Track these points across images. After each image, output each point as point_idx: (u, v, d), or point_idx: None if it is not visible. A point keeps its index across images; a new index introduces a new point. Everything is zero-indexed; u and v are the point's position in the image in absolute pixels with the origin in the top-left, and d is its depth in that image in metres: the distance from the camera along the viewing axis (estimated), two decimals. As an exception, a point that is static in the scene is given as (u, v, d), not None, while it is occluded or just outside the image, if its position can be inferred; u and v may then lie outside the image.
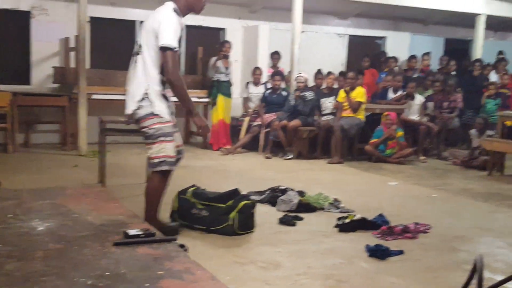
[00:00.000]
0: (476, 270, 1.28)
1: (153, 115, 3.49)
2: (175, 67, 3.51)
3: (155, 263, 2.49)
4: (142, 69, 3.50)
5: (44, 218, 3.19)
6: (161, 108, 3.52)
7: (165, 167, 3.58)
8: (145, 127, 3.54)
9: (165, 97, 3.58)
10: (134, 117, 3.55)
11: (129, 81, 3.59)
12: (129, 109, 3.49)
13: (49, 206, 3.49)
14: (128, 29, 9.50)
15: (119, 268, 2.40)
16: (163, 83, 3.56)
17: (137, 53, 3.57)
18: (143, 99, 3.47)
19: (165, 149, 3.54)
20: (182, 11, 3.58)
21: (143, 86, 3.46)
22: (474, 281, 1.44)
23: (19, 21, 8.69)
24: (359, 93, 8.30)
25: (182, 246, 3.34)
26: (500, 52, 11.29)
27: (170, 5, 3.55)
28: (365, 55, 10.59)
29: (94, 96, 8.12)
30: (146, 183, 3.73)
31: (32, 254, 2.55)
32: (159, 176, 3.62)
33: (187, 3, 3.59)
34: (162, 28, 3.44)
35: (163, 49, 3.45)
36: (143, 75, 3.49)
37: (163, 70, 3.52)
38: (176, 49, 3.47)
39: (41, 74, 8.79)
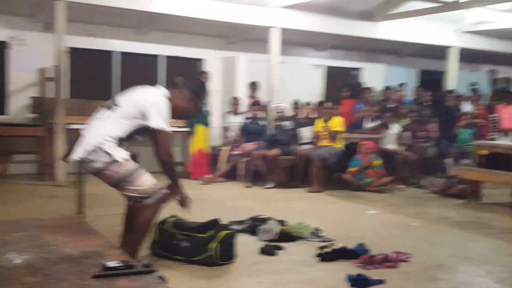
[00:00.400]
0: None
1: (114, 161, 3.41)
2: (168, 148, 3.60)
3: (135, 295, 2.44)
4: (108, 124, 3.46)
5: (21, 250, 3.11)
6: (121, 152, 3.45)
7: (158, 195, 3.53)
8: (111, 174, 3.44)
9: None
10: (90, 167, 3.42)
11: (89, 129, 3.50)
12: (78, 155, 3.36)
13: (26, 238, 3.40)
14: (105, 59, 9.49)
15: (98, 301, 2.34)
16: (121, 144, 3.53)
17: (110, 109, 3.53)
18: (98, 149, 3.37)
19: (144, 180, 3.48)
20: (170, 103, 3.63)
21: (102, 138, 3.38)
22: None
23: (-3, 51, 8.63)
24: (337, 123, 8.37)
25: (161, 277, 3.28)
26: (473, 83, 11.54)
27: (163, 92, 3.65)
28: (344, 85, 10.73)
29: (72, 126, 8.02)
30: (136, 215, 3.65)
31: (8, 287, 2.47)
32: (153, 207, 3.55)
33: (176, 104, 3.65)
34: (156, 110, 3.48)
35: (156, 131, 3.50)
36: (106, 129, 3.43)
37: (128, 137, 3.52)
38: (169, 131, 3.56)
39: (18, 104, 8.69)
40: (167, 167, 3.66)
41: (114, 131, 3.44)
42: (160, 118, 3.49)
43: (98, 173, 3.41)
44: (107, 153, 3.38)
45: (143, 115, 3.49)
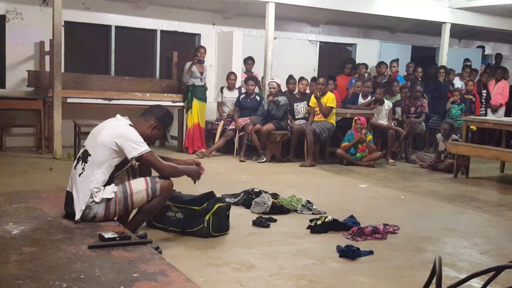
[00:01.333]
0: (435, 271, 1.29)
1: (108, 200, 3.36)
2: (160, 162, 3.54)
3: (130, 265, 2.47)
4: (89, 178, 3.35)
5: (19, 221, 3.14)
6: (107, 190, 3.39)
7: (158, 188, 3.54)
8: (114, 211, 3.41)
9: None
10: (94, 219, 3.35)
11: (74, 189, 3.38)
12: (77, 216, 3.29)
13: (23, 210, 3.43)
14: (102, 33, 9.41)
15: (94, 271, 2.37)
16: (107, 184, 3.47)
17: (85, 161, 3.40)
18: (91, 205, 3.32)
19: (137, 190, 3.47)
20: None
21: (89, 194, 3.32)
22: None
23: (-6, 25, 8.54)
24: (330, 98, 8.36)
25: (156, 248, 3.32)
26: (467, 60, 11.49)
27: (126, 121, 3.52)
28: (346, 60, 10.72)
29: (69, 100, 8.01)
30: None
31: (6, 257, 2.51)
32: (159, 197, 3.57)
33: (144, 133, 3.54)
34: (128, 141, 3.38)
35: (140, 157, 3.44)
36: (90, 183, 3.34)
37: (110, 179, 3.44)
38: (149, 150, 3.46)
39: (16, 78, 8.63)
40: (174, 175, 3.67)
41: (97, 181, 3.35)
42: (135, 145, 3.40)
43: (106, 219, 3.36)
44: (100, 202, 3.33)
45: (117, 152, 3.39)
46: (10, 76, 8.64)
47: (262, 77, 9.37)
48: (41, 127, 8.15)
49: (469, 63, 11.32)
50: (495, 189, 7.31)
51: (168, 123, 3.75)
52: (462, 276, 3.43)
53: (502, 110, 10.79)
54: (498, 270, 1.37)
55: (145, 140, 3.55)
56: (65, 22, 8.31)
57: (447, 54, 11.05)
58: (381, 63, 10.56)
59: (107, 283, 2.26)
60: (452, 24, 10.94)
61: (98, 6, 9.16)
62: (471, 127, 8.21)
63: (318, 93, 8.37)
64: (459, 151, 7.51)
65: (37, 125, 8.26)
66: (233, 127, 8.62)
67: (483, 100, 10.74)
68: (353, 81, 9.95)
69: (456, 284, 1.34)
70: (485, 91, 10.83)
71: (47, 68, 8.22)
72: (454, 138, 8.27)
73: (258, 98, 8.86)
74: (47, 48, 8.28)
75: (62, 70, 8.08)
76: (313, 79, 9.44)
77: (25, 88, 8.58)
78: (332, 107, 8.34)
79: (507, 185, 7.62)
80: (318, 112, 8.39)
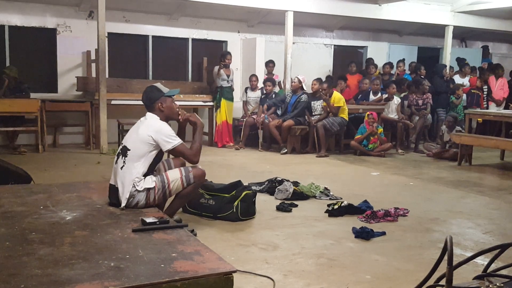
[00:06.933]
0: (447, 249, 1.27)
1: (149, 189, 3.37)
2: (189, 154, 3.52)
3: (169, 246, 2.49)
4: (130, 170, 3.36)
5: (71, 209, 3.19)
6: (148, 180, 3.40)
7: (191, 177, 3.55)
8: (155, 198, 3.41)
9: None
10: (137, 207, 3.35)
11: (118, 180, 3.38)
12: (123, 204, 3.30)
13: (75, 198, 3.48)
14: (141, 42, 9.48)
15: (137, 251, 2.39)
16: (147, 175, 3.46)
17: (125, 155, 3.41)
18: (134, 194, 3.33)
19: (173, 179, 3.48)
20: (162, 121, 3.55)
21: (132, 184, 3.32)
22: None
23: (47, 37, 8.65)
24: (336, 98, 8.26)
25: (192, 231, 3.34)
26: (460, 59, 11.16)
27: (156, 117, 3.51)
28: (351, 61, 10.59)
29: (113, 102, 8.10)
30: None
31: (61, 240, 2.54)
32: (192, 185, 3.59)
33: (165, 116, 3.53)
34: (162, 136, 3.39)
35: (173, 150, 3.44)
36: (131, 174, 3.35)
37: (149, 170, 3.44)
38: (181, 142, 3.46)
39: (66, 83, 8.76)
40: (200, 152, 3.63)
41: (137, 172, 3.36)
42: (168, 139, 3.40)
43: (147, 205, 3.38)
44: (141, 191, 3.34)
45: (154, 146, 3.40)
46: (61, 82, 8.77)
47: (283, 78, 9.32)
48: (89, 126, 8.26)
49: (466, 62, 11.03)
50: (496, 175, 7.16)
51: (160, 92, 3.57)
52: (468, 254, 3.38)
53: (503, 104, 10.58)
54: (504, 247, 1.33)
55: (172, 119, 3.57)
56: (108, 33, 8.38)
57: (450, 54, 10.84)
58: (386, 64, 10.43)
59: (149, 262, 2.28)
60: (454, 26, 10.71)
61: (136, 18, 9.23)
62: (478, 119, 8.07)
63: (325, 96, 8.27)
64: (463, 141, 7.37)
65: (86, 124, 8.38)
66: (257, 122, 8.63)
67: (484, 95, 10.52)
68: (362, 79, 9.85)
69: (465, 260, 1.30)
70: (485, 87, 10.60)
71: (93, 74, 8.32)
72: (458, 129, 8.11)
73: (273, 95, 8.86)
74: (93, 57, 8.38)
75: (107, 76, 8.16)
76: (327, 78, 9.35)
77: (75, 92, 8.70)
78: (339, 107, 8.25)
79: (507, 171, 7.45)
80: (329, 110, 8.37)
